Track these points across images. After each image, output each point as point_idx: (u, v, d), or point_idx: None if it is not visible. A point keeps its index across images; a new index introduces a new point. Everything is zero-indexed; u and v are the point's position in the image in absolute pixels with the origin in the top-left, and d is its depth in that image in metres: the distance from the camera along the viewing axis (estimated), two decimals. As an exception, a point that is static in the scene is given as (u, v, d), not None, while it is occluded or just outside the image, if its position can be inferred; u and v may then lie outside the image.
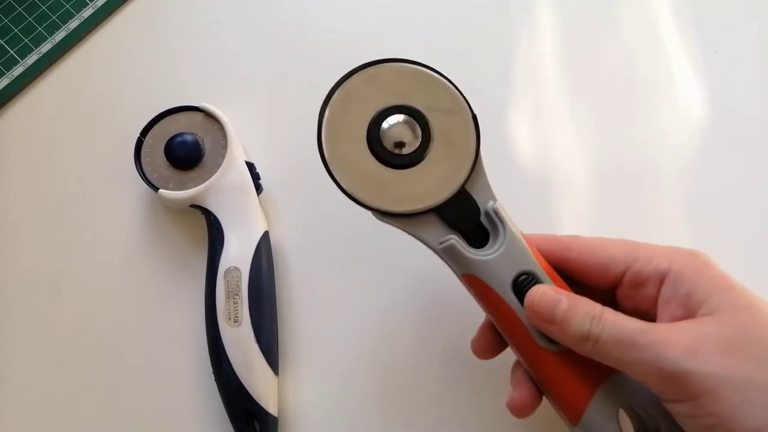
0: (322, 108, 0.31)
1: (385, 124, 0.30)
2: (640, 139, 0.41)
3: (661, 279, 0.28)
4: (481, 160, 0.31)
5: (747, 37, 0.43)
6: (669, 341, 0.25)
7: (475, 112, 0.31)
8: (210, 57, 0.43)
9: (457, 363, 0.36)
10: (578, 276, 0.30)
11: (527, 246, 0.30)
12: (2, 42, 0.43)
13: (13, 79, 0.42)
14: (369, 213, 0.31)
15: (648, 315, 0.28)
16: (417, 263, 0.38)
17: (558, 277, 0.30)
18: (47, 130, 0.42)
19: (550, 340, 0.29)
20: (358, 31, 0.44)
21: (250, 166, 0.39)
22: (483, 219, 0.31)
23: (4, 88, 0.42)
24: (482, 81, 0.43)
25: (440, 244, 0.30)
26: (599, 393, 0.28)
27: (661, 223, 0.39)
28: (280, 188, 0.40)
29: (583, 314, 0.27)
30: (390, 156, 0.30)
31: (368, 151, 0.30)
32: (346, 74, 0.31)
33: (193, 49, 0.43)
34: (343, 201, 0.39)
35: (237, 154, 0.38)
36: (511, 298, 0.29)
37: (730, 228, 0.39)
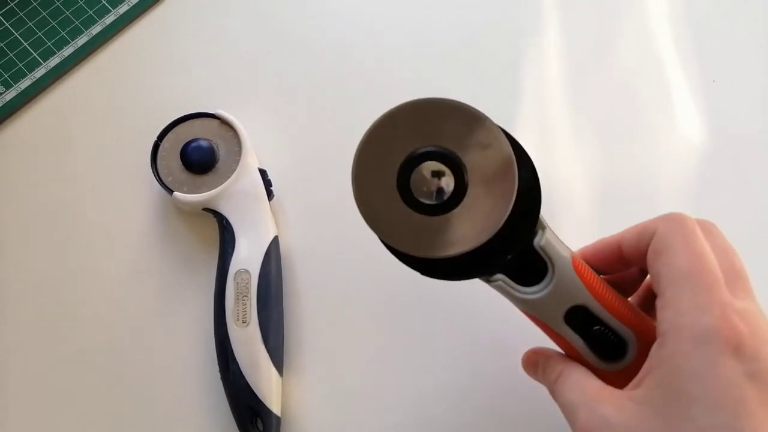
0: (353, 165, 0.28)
1: (415, 174, 0.27)
2: (641, 161, 0.42)
3: (658, 333, 0.26)
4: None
5: (743, 68, 0.45)
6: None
7: (518, 141, 0.29)
8: (226, 65, 0.45)
9: (463, 368, 0.38)
10: (639, 263, 0.29)
11: (578, 278, 0.29)
12: (26, 44, 0.44)
13: (34, 80, 0.43)
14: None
15: None
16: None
17: (614, 302, 0.29)
18: (66, 131, 0.43)
19: (608, 362, 0.29)
20: (371, 42, 0.45)
21: (263, 173, 0.40)
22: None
23: (26, 89, 0.43)
24: (488, 100, 0.44)
25: (489, 282, 0.30)
26: None
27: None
28: (290, 195, 0.41)
29: (549, 373, 0.30)
30: (425, 203, 0.28)
31: (401, 201, 0.28)
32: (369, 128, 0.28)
33: (210, 58, 0.45)
34: (351, 210, 0.40)
35: (250, 160, 0.40)
36: (565, 331, 0.29)
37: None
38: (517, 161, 0.28)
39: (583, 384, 0.28)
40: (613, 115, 0.44)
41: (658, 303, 0.27)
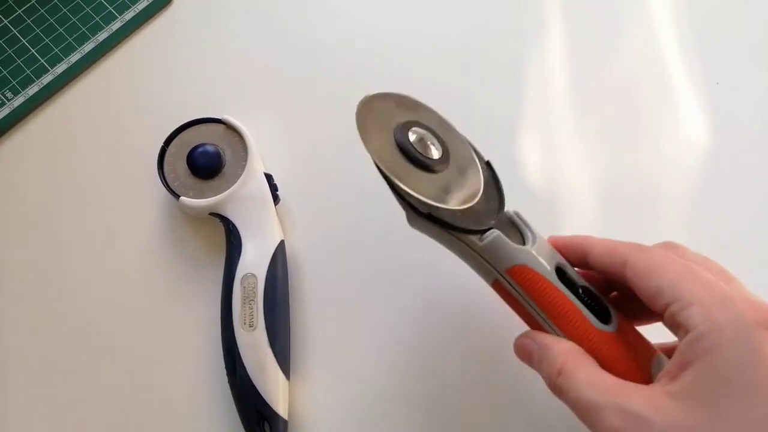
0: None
1: (411, 131, 0.32)
2: (644, 163, 0.43)
3: (686, 331, 0.26)
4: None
5: (747, 70, 0.45)
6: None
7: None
8: (232, 71, 0.45)
9: (469, 369, 0.38)
10: (603, 273, 0.30)
11: (552, 246, 0.32)
12: (33, 50, 0.44)
13: (42, 86, 0.44)
14: (392, 221, 0.31)
15: None
16: (428, 273, 0.39)
17: (583, 275, 0.32)
18: (73, 137, 0.43)
19: (603, 322, 0.30)
20: (375, 47, 0.46)
21: (269, 177, 0.40)
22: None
23: (34, 94, 0.43)
24: (490, 102, 0.44)
25: (482, 240, 0.30)
26: (654, 364, 0.29)
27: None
28: (296, 199, 0.41)
29: (547, 365, 0.28)
30: (421, 158, 0.31)
31: (400, 153, 0.31)
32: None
33: (216, 63, 0.45)
34: (357, 212, 0.41)
35: (256, 165, 0.40)
36: (560, 285, 0.30)
37: (731, 251, 0.40)
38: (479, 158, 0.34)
39: (599, 379, 0.27)
40: (616, 117, 0.44)
41: (674, 308, 0.26)
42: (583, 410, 0.26)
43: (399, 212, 0.33)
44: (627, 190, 0.42)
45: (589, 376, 0.27)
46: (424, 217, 0.30)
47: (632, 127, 0.44)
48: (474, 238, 0.30)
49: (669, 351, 0.30)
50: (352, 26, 0.47)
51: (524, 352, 0.31)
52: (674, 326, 0.27)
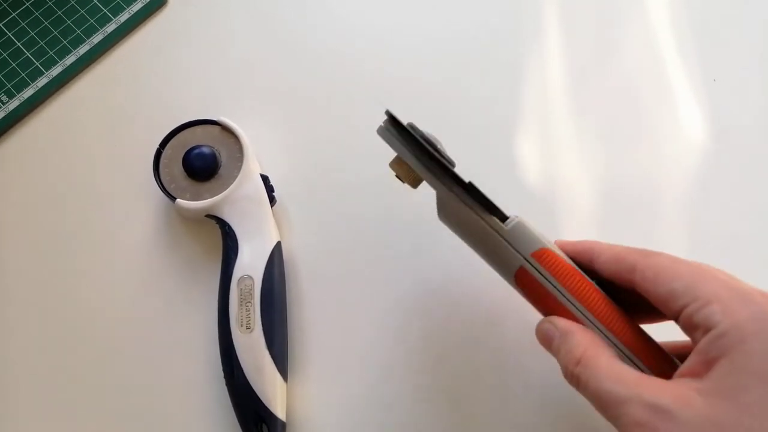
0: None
1: (423, 130, 0.32)
2: (643, 162, 0.42)
3: (707, 329, 0.25)
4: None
5: (744, 66, 0.45)
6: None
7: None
8: (227, 72, 0.45)
9: (469, 369, 0.37)
10: (646, 299, 0.29)
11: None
12: (28, 53, 0.44)
13: (38, 89, 0.43)
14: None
15: None
16: (426, 274, 0.39)
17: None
18: (69, 139, 0.43)
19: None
20: (375, 47, 0.45)
21: (265, 179, 0.40)
22: None
23: (30, 97, 0.43)
24: (490, 103, 0.44)
25: (507, 225, 0.31)
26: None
27: (662, 244, 0.40)
28: (292, 200, 0.41)
29: (565, 353, 0.28)
30: (442, 151, 0.32)
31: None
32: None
33: (211, 65, 0.45)
34: (354, 213, 0.41)
35: (252, 166, 0.40)
36: (580, 270, 0.30)
37: (730, 250, 0.40)
38: None
39: (621, 371, 0.26)
40: (614, 116, 0.44)
41: (691, 308, 0.26)
42: (603, 402, 0.26)
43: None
44: (627, 190, 0.42)
45: (610, 368, 0.26)
46: (465, 188, 0.30)
47: (632, 127, 0.43)
48: (500, 222, 0.31)
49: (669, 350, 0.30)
50: (351, 27, 0.46)
51: (545, 338, 0.30)
52: (691, 327, 0.26)
